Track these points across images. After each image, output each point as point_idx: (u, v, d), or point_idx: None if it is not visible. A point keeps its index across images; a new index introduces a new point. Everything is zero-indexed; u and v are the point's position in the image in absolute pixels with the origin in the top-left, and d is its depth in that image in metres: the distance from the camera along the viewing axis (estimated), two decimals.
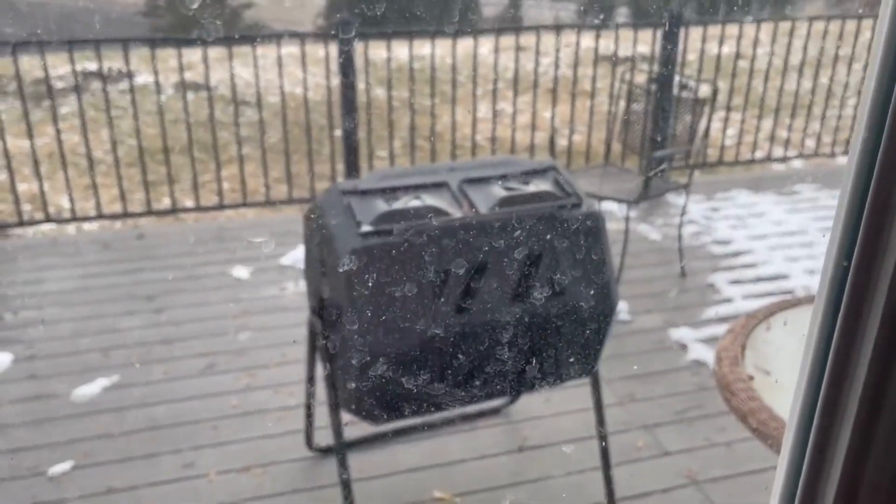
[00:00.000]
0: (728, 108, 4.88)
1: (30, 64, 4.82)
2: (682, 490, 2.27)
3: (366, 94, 4.46)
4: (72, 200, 3.97)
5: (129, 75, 4.08)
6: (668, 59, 4.41)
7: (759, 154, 5.09)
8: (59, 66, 5.32)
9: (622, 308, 3.21)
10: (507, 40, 4.85)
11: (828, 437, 0.41)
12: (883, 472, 0.40)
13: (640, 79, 3.84)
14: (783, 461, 0.44)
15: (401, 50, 4.45)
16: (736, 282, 3.50)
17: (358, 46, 4.10)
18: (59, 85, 5.27)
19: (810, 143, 5.10)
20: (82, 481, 2.28)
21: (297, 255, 3.62)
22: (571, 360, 1.95)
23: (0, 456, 2.38)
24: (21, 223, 3.99)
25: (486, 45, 4.59)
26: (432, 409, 1.99)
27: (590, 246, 1.91)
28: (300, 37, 4.40)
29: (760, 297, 3.32)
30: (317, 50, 5.13)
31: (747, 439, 2.42)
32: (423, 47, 4.68)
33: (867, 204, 0.40)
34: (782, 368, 1.53)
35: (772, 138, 4.90)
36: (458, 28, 4.51)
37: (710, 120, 3.52)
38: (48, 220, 4.03)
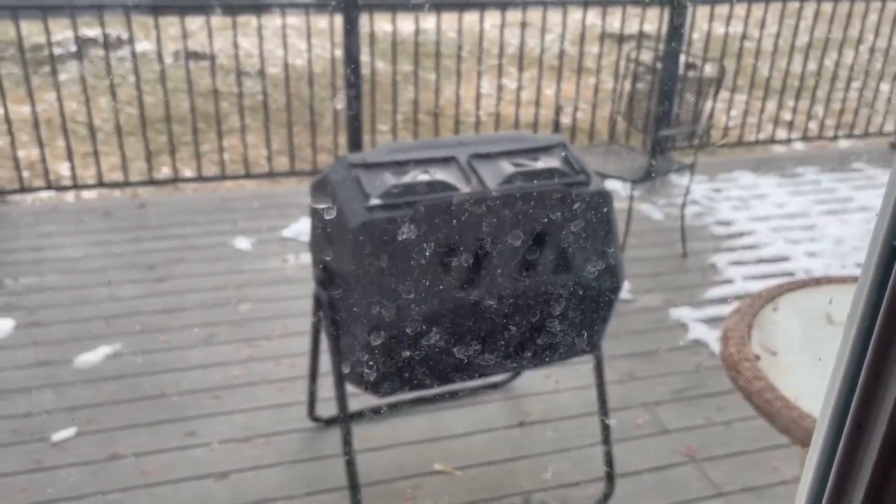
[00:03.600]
0: (732, 89, 4.86)
1: (29, 29, 4.77)
2: (681, 467, 2.30)
3: (369, 67, 4.42)
4: (72, 168, 3.95)
5: (130, 42, 4.03)
6: (676, 37, 4.37)
7: (762, 136, 5.08)
8: (58, 32, 5.26)
9: (624, 287, 3.22)
10: (513, 16, 4.81)
11: (868, 411, 0.41)
12: None
13: (646, 57, 3.82)
14: (818, 435, 0.44)
15: (405, 23, 4.41)
16: (737, 263, 3.51)
17: (362, 18, 4.06)
18: (57, 51, 5.21)
19: (813, 126, 5.09)
20: (85, 448, 2.29)
21: (298, 228, 3.62)
22: (577, 337, 1.96)
23: (3, 421, 2.40)
24: (21, 189, 3.97)
25: (490, 19, 4.55)
26: (436, 382, 2.00)
27: (598, 224, 1.91)
28: (304, 8, 4.35)
29: (761, 279, 3.34)
30: (319, 21, 5.08)
31: (746, 419, 2.45)
32: (428, 21, 4.64)
33: None
34: (789, 349, 1.54)
35: (775, 120, 4.89)
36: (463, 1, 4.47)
37: (715, 100, 3.51)
38: (49, 187, 4.01)
